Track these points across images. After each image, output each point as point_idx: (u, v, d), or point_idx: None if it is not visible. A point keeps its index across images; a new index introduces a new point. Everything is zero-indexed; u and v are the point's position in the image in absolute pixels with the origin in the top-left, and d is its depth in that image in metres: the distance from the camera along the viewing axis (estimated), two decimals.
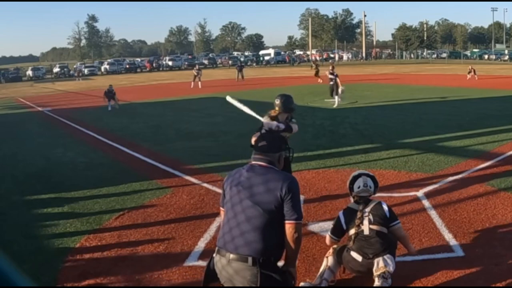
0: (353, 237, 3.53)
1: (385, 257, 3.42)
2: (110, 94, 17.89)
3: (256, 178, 2.46)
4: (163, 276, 3.93)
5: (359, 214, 3.54)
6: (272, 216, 2.40)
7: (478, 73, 26.01)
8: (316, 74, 28.04)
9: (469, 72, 26.31)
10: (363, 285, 3.68)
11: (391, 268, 3.39)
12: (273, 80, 31.14)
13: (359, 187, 3.68)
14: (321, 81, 25.24)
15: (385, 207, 3.58)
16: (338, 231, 3.66)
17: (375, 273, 3.43)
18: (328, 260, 3.61)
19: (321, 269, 3.63)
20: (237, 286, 2.39)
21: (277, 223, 2.42)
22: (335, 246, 3.70)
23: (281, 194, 2.40)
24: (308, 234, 4.56)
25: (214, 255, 2.54)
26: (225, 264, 2.41)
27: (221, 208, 2.73)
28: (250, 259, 2.34)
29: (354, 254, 3.51)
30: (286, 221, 2.43)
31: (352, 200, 3.81)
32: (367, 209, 3.56)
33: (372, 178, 3.76)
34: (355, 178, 3.73)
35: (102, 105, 18.01)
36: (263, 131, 4.03)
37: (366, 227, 3.50)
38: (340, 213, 3.71)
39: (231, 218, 2.46)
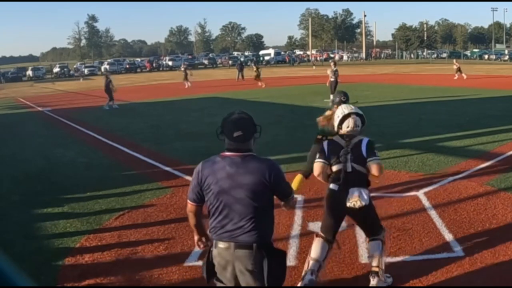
0: (334, 175, 3.56)
1: (361, 189, 3.46)
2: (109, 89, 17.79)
3: (240, 168, 2.47)
4: (163, 276, 3.94)
5: (343, 152, 3.52)
6: (265, 202, 2.50)
7: (480, 73, 26.02)
8: (257, 77, 25.39)
9: (457, 71, 26.16)
10: (363, 285, 3.68)
11: (366, 198, 3.43)
12: (273, 80, 31.15)
13: (348, 127, 3.63)
14: (263, 85, 24.04)
15: (363, 147, 3.52)
16: (323, 158, 3.58)
17: (368, 240, 3.62)
18: (312, 250, 3.61)
19: (305, 265, 3.60)
20: (245, 274, 2.45)
21: (269, 206, 2.55)
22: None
23: (270, 179, 2.46)
24: (308, 234, 4.56)
25: (212, 249, 2.56)
26: (228, 255, 2.46)
27: (192, 203, 2.61)
28: (254, 245, 2.43)
29: (332, 186, 3.56)
30: (286, 200, 2.64)
31: (336, 131, 3.74)
32: (350, 146, 3.53)
33: (361, 116, 3.69)
34: (346, 117, 3.63)
35: (102, 105, 18.01)
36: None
37: (349, 165, 3.50)
38: (325, 144, 3.64)
39: (224, 210, 2.48)
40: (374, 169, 3.45)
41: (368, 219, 3.61)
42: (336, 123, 3.71)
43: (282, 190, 2.59)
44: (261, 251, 2.45)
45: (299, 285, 3.52)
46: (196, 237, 2.77)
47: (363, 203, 3.40)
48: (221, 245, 2.48)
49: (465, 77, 25.23)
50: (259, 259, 2.44)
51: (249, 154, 2.53)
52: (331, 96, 15.65)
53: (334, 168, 3.55)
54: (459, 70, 26.08)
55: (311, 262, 3.55)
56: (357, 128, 3.65)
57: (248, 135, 2.52)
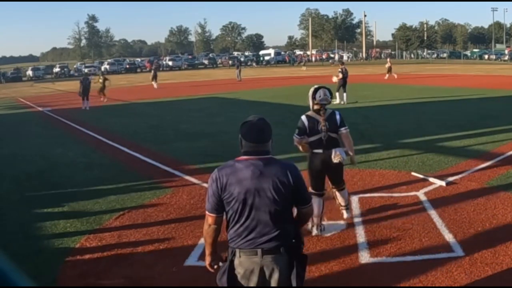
0: (314, 142, 4.53)
1: (339, 149, 4.55)
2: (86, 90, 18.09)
3: (264, 172, 2.40)
4: (163, 276, 3.94)
5: (322, 123, 4.49)
6: (286, 205, 2.46)
7: (480, 73, 26.03)
8: (101, 90, 22.14)
9: (388, 71, 25.98)
10: (363, 285, 3.69)
11: (344, 155, 4.56)
12: (273, 80, 31.16)
13: (320, 96, 4.51)
14: (105, 99, 21.01)
15: (337, 116, 4.61)
16: (302, 132, 4.55)
17: (336, 188, 4.82)
18: None
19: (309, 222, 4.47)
20: (275, 277, 2.43)
21: (290, 209, 2.52)
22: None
23: (291, 183, 2.42)
24: (308, 234, 4.56)
25: (233, 258, 2.44)
26: (254, 263, 2.40)
27: (212, 215, 2.45)
28: (282, 249, 2.42)
29: (316, 150, 4.56)
30: (305, 206, 2.56)
31: (311, 108, 4.63)
32: (326, 118, 4.51)
33: (329, 90, 4.65)
34: (316, 90, 4.56)
35: (102, 105, 18.02)
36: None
37: (325, 133, 4.50)
38: (304, 118, 4.58)
39: (249, 217, 2.41)
40: (345, 135, 4.63)
41: (340, 172, 4.75)
42: (310, 99, 4.61)
43: (302, 195, 2.51)
44: (288, 253, 2.44)
45: (314, 232, 4.60)
46: (209, 259, 2.57)
47: (344, 158, 4.55)
48: (245, 254, 2.41)
49: (395, 76, 25.18)
50: (288, 261, 2.43)
51: (270, 157, 2.46)
52: (337, 95, 15.68)
53: (315, 137, 4.52)
54: (390, 70, 26.04)
55: (314, 218, 4.53)
56: (327, 96, 4.54)
57: (268, 135, 2.47)
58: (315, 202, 4.33)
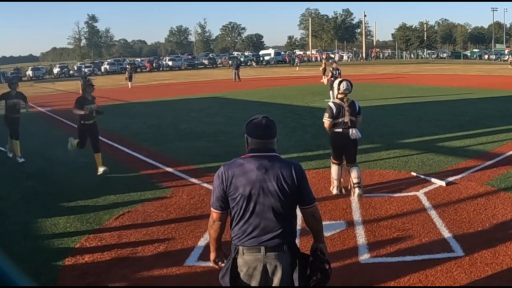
0: (338, 123, 5.68)
1: (355, 129, 5.71)
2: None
3: (269, 170, 2.40)
4: (163, 276, 3.93)
5: (346, 108, 5.66)
6: (290, 203, 2.45)
7: (480, 73, 26.01)
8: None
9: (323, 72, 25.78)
10: (363, 285, 3.69)
11: (359, 134, 5.75)
12: (273, 80, 31.16)
13: (344, 87, 5.73)
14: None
15: (357, 105, 5.79)
16: (331, 116, 5.69)
17: (350, 164, 5.82)
18: (332, 173, 6.02)
19: (332, 184, 6.03)
20: (277, 274, 2.41)
21: (294, 207, 2.51)
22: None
23: (295, 181, 2.41)
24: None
25: (236, 255, 2.44)
26: (257, 260, 2.40)
27: (217, 211, 2.47)
28: (285, 247, 2.41)
29: (337, 129, 5.71)
30: (308, 206, 2.52)
31: (336, 97, 5.89)
32: (348, 104, 5.68)
33: (350, 82, 5.85)
34: (340, 82, 5.82)
35: (102, 105, 17.99)
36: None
37: (347, 118, 5.66)
38: (332, 104, 5.76)
39: (253, 214, 2.41)
40: (359, 120, 5.84)
41: (355, 147, 5.83)
42: (335, 88, 5.89)
43: (305, 194, 2.48)
44: (291, 251, 2.44)
45: (334, 192, 5.90)
46: (213, 255, 2.60)
47: (359, 136, 5.74)
48: (249, 251, 2.41)
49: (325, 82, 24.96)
50: (291, 259, 2.42)
51: (275, 154, 2.47)
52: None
53: (339, 120, 5.68)
54: (324, 70, 25.88)
55: (335, 181, 5.94)
56: (349, 87, 5.75)
57: (274, 132, 2.49)
58: (334, 168, 5.92)
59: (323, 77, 16.83)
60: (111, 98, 20.93)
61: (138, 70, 60.97)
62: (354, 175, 5.67)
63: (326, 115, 5.73)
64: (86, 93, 7.46)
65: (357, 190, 5.58)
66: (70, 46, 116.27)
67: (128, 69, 31.67)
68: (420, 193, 5.81)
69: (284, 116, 13.18)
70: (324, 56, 57.01)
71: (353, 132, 5.65)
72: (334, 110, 5.66)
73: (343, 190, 5.94)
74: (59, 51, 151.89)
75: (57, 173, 7.86)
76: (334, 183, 5.92)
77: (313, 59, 71.67)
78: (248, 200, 2.40)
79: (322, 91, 18.10)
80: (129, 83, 29.58)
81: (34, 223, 5.41)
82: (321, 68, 21.45)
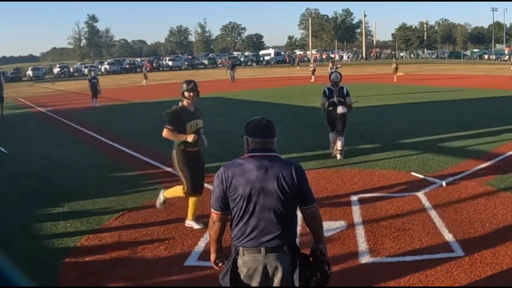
0: (330, 103, 7.79)
1: (341, 106, 7.67)
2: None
3: (269, 170, 2.40)
4: (163, 276, 3.93)
5: (335, 93, 7.79)
6: (290, 204, 2.44)
7: (480, 73, 25.97)
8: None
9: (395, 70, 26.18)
10: (363, 285, 3.69)
11: (345, 110, 7.70)
12: (273, 80, 31.14)
13: (333, 77, 7.98)
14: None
15: (345, 89, 7.89)
16: (325, 96, 7.86)
17: (338, 133, 7.78)
18: (330, 137, 8.00)
19: (332, 147, 7.98)
20: (278, 275, 2.40)
21: (294, 208, 2.50)
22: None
23: (295, 182, 2.41)
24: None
25: (236, 256, 2.44)
26: (257, 261, 2.39)
27: (217, 212, 2.47)
28: (285, 247, 2.41)
29: (330, 108, 7.78)
30: (309, 207, 2.50)
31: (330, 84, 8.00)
32: (337, 89, 7.82)
33: (340, 73, 8.13)
34: (332, 73, 8.20)
35: (103, 105, 18.02)
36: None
37: (335, 98, 7.75)
38: (326, 89, 7.96)
39: (253, 214, 2.40)
40: (349, 100, 7.87)
41: (344, 121, 7.76)
42: (329, 76, 8.33)
43: (306, 194, 2.47)
44: (291, 252, 2.43)
45: (338, 157, 7.74)
46: (214, 256, 2.60)
47: (344, 111, 7.69)
48: (249, 252, 2.40)
49: (395, 78, 25.11)
50: (291, 259, 2.42)
51: (275, 154, 2.47)
52: None
53: (330, 100, 7.77)
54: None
55: (332, 144, 7.92)
56: (337, 77, 7.94)
57: (274, 132, 2.51)
58: (330, 134, 7.92)
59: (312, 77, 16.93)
60: (111, 98, 20.93)
61: (138, 70, 60.85)
62: (339, 144, 7.67)
63: (322, 95, 7.97)
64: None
65: (338, 156, 7.72)
66: (70, 46, 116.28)
67: (145, 68, 37.51)
68: (420, 193, 5.81)
69: (284, 116, 13.18)
70: (333, 56, 57.36)
71: (340, 109, 7.65)
72: (327, 93, 7.86)
73: (338, 156, 7.72)
74: (59, 51, 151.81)
75: (57, 173, 7.86)
76: (332, 145, 7.91)
77: (296, 59, 71.36)
78: (248, 201, 2.39)
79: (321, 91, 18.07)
80: (145, 81, 32.50)
81: (34, 223, 5.40)
82: (328, 68, 21.31)
